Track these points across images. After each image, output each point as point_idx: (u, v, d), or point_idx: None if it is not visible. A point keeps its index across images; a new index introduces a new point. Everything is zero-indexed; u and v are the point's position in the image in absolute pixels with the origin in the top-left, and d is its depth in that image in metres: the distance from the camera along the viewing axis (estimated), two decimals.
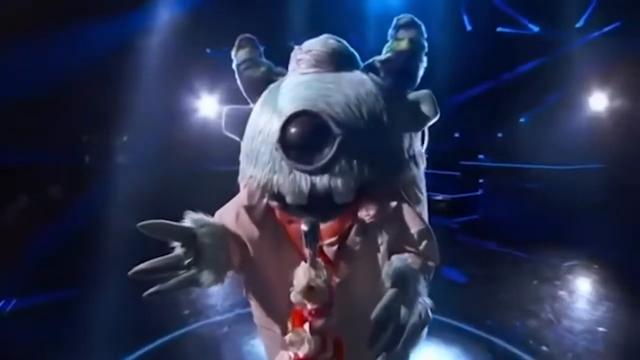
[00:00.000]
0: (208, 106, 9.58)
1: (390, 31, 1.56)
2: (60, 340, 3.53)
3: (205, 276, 1.32)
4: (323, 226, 1.38)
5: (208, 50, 9.63)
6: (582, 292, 3.99)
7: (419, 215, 1.39)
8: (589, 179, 6.52)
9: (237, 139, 1.66)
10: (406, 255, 1.32)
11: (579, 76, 7.66)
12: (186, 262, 1.30)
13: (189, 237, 1.32)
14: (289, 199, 1.36)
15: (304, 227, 1.27)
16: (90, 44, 6.79)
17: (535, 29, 9.30)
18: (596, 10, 8.00)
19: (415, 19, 1.54)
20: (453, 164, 8.45)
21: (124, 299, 3.56)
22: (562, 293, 3.97)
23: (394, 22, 1.55)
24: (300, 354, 1.26)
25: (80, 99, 6.94)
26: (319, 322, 1.27)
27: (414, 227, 1.33)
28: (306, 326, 1.26)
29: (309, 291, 1.24)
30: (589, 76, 7.68)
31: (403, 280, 1.22)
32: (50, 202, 7.00)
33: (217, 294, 4.12)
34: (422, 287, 1.29)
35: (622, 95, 7.25)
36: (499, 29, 9.14)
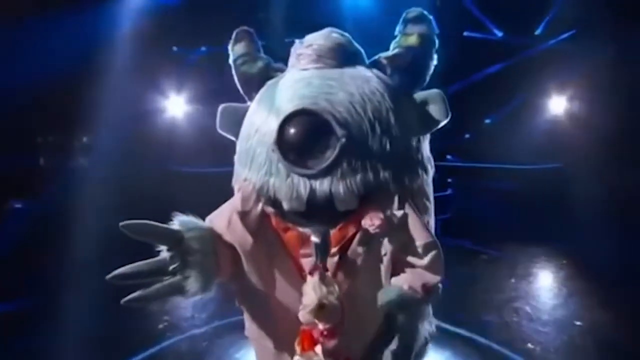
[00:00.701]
0: (176, 106, 9.30)
1: (399, 26, 1.48)
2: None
3: (191, 284, 1.23)
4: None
5: (175, 49, 9.35)
6: (555, 287, 4.15)
7: (426, 227, 1.29)
8: (550, 177, 6.84)
9: (233, 138, 1.57)
10: (403, 279, 1.23)
11: (540, 80, 8.01)
12: (171, 267, 1.21)
13: (175, 241, 1.23)
14: (286, 205, 1.27)
15: (314, 238, 1.20)
16: (49, 40, 6.42)
17: (500, 34, 9.66)
18: (554, 18, 8.41)
19: (425, 13, 1.46)
20: None
21: (89, 311, 3.33)
22: (536, 289, 4.10)
23: (403, 15, 1.47)
24: None
25: (37, 98, 6.54)
26: (331, 343, 1.17)
27: (420, 240, 1.24)
28: (318, 349, 1.15)
29: (320, 310, 1.14)
30: (548, 80, 8.05)
31: (396, 310, 1.19)
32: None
33: (193, 304, 3.93)
34: (416, 314, 1.25)
35: (579, 98, 7.66)
36: (465, 33, 9.39)
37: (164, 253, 1.26)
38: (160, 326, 3.62)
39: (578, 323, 3.28)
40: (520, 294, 4.03)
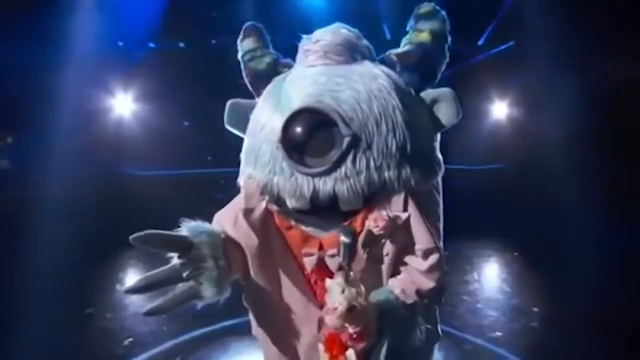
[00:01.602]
0: (123, 105, 8.80)
1: (410, 21, 1.43)
2: None
3: (206, 289, 1.20)
4: (325, 235, 1.26)
5: (121, 44, 8.82)
6: (510, 278, 4.48)
7: (430, 230, 1.25)
8: (496, 177, 7.42)
9: (240, 134, 1.53)
10: (398, 282, 1.22)
11: (483, 87, 8.63)
12: (185, 274, 1.17)
13: (185, 248, 1.19)
14: (289, 203, 1.26)
15: (343, 238, 1.12)
16: None
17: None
18: (494, 30, 9.13)
19: (438, 8, 1.40)
20: None
21: (44, 331, 3.01)
22: (493, 280, 4.40)
23: (415, 11, 1.42)
24: None
25: None
26: (360, 346, 1.11)
27: (421, 244, 1.22)
28: (350, 353, 1.10)
29: (350, 312, 1.08)
30: (491, 87, 8.71)
31: (383, 311, 1.16)
32: None
33: (160, 317, 3.67)
34: (404, 317, 1.21)
35: (518, 104, 8.38)
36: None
37: (175, 260, 1.22)
38: (126, 343, 3.32)
39: (535, 309, 3.57)
40: (480, 285, 4.31)
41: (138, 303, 3.86)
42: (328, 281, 1.17)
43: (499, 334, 3.09)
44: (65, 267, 4.05)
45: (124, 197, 6.81)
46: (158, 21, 9.35)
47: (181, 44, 10.72)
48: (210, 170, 10.28)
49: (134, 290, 1.18)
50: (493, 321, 3.37)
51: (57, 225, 4.71)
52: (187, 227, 1.26)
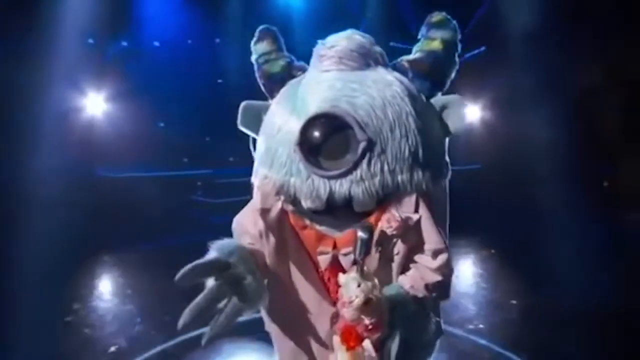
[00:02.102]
0: (95, 105, 8.51)
1: (422, 29, 1.47)
2: None
3: (251, 303, 1.24)
4: (339, 235, 1.30)
5: (91, 41, 8.51)
6: (488, 273, 4.64)
7: (439, 231, 1.31)
8: (471, 177, 7.69)
9: (253, 135, 1.54)
10: (408, 278, 1.28)
11: (456, 90, 8.93)
12: (224, 296, 1.21)
13: (222, 270, 1.22)
14: (305, 204, 1.29)
15: (361, 234, 1.15)
16: None
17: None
18: (466, 36, 9.46)
19: (449, 17, 1.45)
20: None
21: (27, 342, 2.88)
22: (472, 276, 4.57)
23: (426, 19, 1.46)
24: None
25: None
26: (376, 337, 1.16)
27: (431, 244, 1.27)
28: (367, 343, 1.14)
29: (366, 305, 1.12)
30: (463, 91, 9.02)
31: (394, 305, 1.21)
32: None
33: (142, 324, 3.54)
34: (414, 312, 1.25)
35: (490, 107, 8.73)
36: (391, 43, 10.04)
37: (210, 282, 1.24)
38: (112, 349, 3.20)
39: (514, 301, 3.74)
40: (459, 281, 4.46)
41: (119, 309, 3.75)
42: (342, 276, 1.21)
43: (481, 326, 3.20)
44: (41, 273, 3.89)
45: (99, 199, 6.59)
46: (131, 19, 9.11)
47: (156, 43, 10.48)
48: (187, 172, 10.14)
49: (187, 326, 1.18)
50: (474, 314, 3.51)
51: (28, 229, 4.52)
52: (216, 248, 1.28)
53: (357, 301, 1.12)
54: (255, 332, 2.97)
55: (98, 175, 7.72)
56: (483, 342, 3.05)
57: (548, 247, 4.66)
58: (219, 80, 10.76)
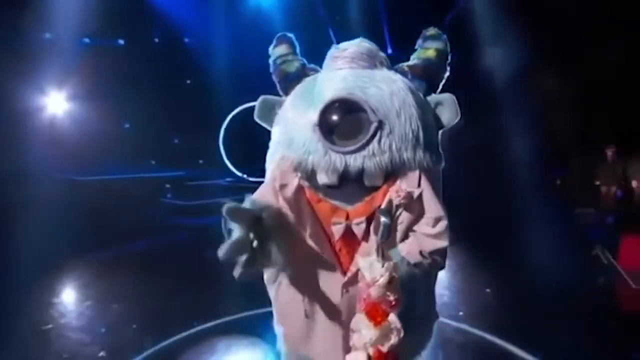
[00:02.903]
0: (56, 104, 8.14)
1: (419, 41, 1.69)
2: None
3: (274, 254, 1.35)
4: (350, 207, 1.44)
5: (48, 35, 8.08)
6: (459, 267, 4.82)
7: (439, 202, 1.46)
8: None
9: (267, 126, 1.68)
10: (407, 244, 1.40)
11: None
12: (252, 243, 1.32)
13: (255, 221, 1.33)
14: (321, 178, 1.43)
15: (384, 219, 1.25)
16: None
17: (390, 50, 10.92)
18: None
19: (441, 32, 1.67)
20: None
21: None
22: (446, 269, 4.76)
23: (423, 33, 1.69)
24: (385, 348, 1.21)
25: None
26: (398, 311, 1.25)
27: (431, 213, 1.42)
28: (392, 317, 1.23)
29: (390, 283, 1.21)
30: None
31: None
32: None
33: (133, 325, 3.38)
34: (410, 277, 1.36)
35: None
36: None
37: (238, 231, 1.32)
38: (102, 354, 2.98)
39: (487, 290, 3.99)
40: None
41: (103, 314, 3.63)
42: (362, 261, 1.29)
43: (460, 313, 3.41)
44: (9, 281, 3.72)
45: (61, 203, 6.30)
46: (94, 15, 8.74)
47: (120, 41, 10.14)
48: (155, 174, 9.83)
49: (224, 261, 1.29)
50: (454, 302, 3.63)
51: None
52: (250, 202, 1.38)
53: (383, 280, 1.21)
54: (247, 331, 3.09)
55: (60, 177, 7.36)
56: (464, 326, 3.20)
57: (513, 238, 5.04)
58: (188, 81, 10.57)
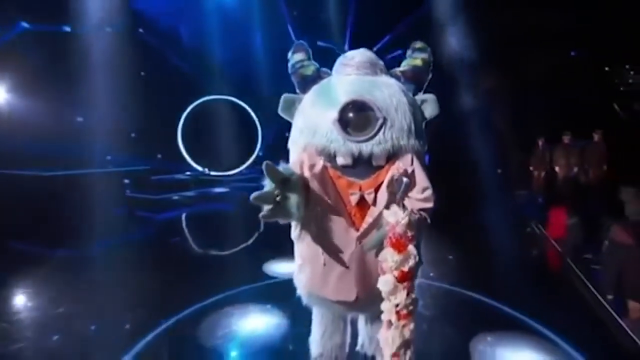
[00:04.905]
0: None
1: (408, 51, 2.11)
2: None
3: (293, 206, 1.72)
4: (363, 181, 1.85)
5: None
6: (429, 240, 5.39)
7: (426, 175, 1.93)
8: None
9: (289, 119, 2.03)
10: (397, 208, 1.77)
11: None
12: (277, 198, 1.69)
13: (285, 181, 1.70)
14: (340, 160, 1.87)
15: (406, 179, 1.75)
16: None
17: (346, 46, 11.41)
18: (389, 41, 10.64)
19: (427, 45, 2.10)
20: None
21: None
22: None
23: (411, 45, 2.11)
24: (406, 268, 1.67)
25: None
26: (414, 243, 1.69)
27: (420, 183, 1.88)
28: (411, 247, 1.67)
29: (409, 223, 1.67)
30: None
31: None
32: None
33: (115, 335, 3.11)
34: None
35: None
36: (319, 43, 10.66)
37: (268, 186, 1.69)
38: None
39: (450, 257, 4.60)
40: None
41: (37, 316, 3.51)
42: (386, 212, 1.73)
43: (431, 274, 3.96)
44: None
45: (8, 200, 5.99)
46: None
47: (66, 28, 9.51)
48: (112, 169, 9.43)
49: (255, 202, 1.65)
50: (427, 267, 4.08)
51: None
52: (283, 167, 1.76)
53: (404, 220, 1.67)
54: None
55: (5, 174, 6.93)
56: (436, 283, 3.84)
57: (468, 216, 5.96)
58: (142, 73, 10.18)
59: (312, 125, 1.90)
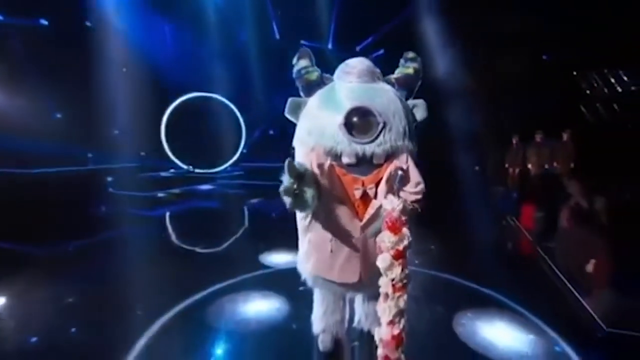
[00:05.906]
0: None
1: (401, 60, 2.30)
2: None
3: (308, 198, 1.98)
4: (365, 177, 2.07)
5: None
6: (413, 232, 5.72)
7: (419, 172, 2.15)
8: None
9: (294, 121, 2.21)
10: (393, 197, 2.02)
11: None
12: (294, 190, 1.95)
13: (300, 175, 1.96)
14: (345, 159, 2.10)
15: (400, 172, 2.01)
16: None
17: (330, 45, 11.62)
18: (370, 42, 10.88)
19: (417, 55, 2.30)
20: None
21: None
22: None
23: (404, 55, 2.30)
24: (401, 247, 1.91)
25: None
26: (407, 226, 1.93)
27: (415, 178, 2.11)
28: (404, 229, 1.91)
29: (404, 209, 1.92)
30: None
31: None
32: None
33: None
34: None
35: None
36: (302, 41, 10.84)
37: (286, 181, 1.94)
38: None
39: (432, 247, 4.83)
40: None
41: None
42: (384, 200, 1.97)
43: (416, 262, 4.24)
44: None
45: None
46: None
47: (44, 21, 9.31)
48: (94, 167, 9.29)
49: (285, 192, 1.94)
50: (412, 256, 4.33)
51: None
52: (298, 163, 1.98)
53: (401, 206, 1.92)
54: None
55: None
56: (420, 269, 4.13)
57: (449, 209, 6.34)
58: (124, 69, 10.06)
59: (320, 128, 2.11)
